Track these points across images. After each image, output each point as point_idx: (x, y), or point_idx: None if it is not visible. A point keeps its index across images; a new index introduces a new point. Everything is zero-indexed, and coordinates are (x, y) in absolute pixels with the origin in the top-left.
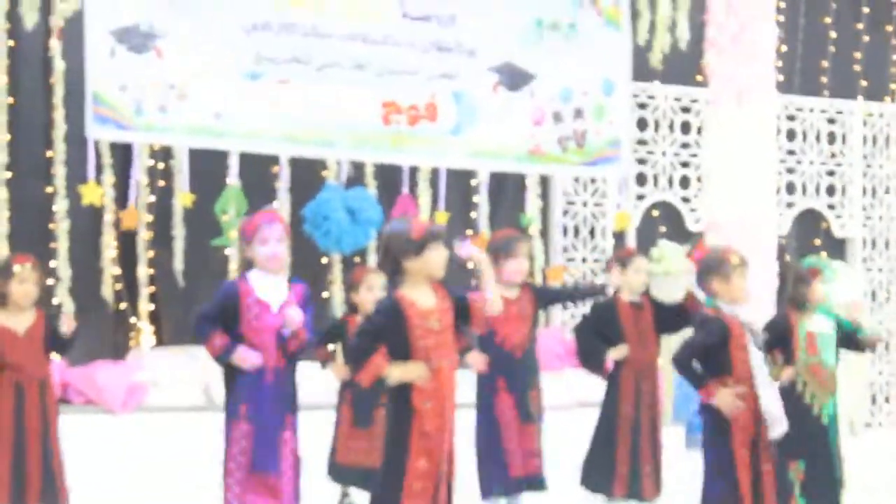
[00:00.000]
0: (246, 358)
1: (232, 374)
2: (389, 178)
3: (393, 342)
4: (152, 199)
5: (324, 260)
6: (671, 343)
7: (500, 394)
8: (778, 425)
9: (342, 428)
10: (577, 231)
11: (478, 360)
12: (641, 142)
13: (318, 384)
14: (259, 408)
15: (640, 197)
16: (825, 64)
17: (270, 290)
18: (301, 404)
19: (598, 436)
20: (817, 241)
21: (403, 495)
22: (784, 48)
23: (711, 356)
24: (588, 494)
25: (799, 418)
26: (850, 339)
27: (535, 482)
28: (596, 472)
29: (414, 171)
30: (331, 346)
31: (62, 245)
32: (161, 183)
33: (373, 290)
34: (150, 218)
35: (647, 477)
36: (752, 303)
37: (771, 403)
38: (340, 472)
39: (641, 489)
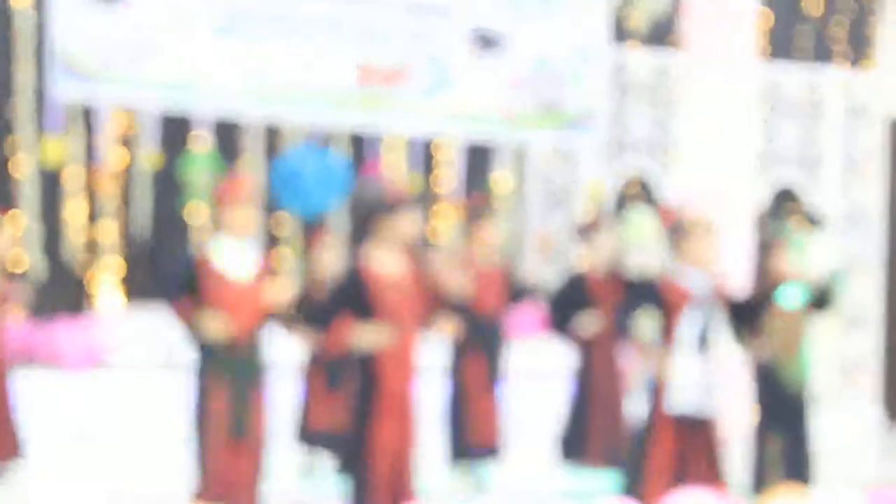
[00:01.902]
0: (209, 327)
1: (201, 338)
2: (359, 141)
3: (356, 308)
4: (119, 157)
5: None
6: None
7: (470, 359)
8: (679, 401)
9: (315, 392)
10: (551, 198)
11: (449, 326)
12: (618, 108)
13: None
14: (229, 371)
15: (615, 165)
16: (804, 30)
17: (234, 257)
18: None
19: (573, 405)
20: (794, 214)
21: (369, 457)
22: (764, 14)
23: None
24: (562, 462)
25: (770, 389)
26: (823, 301)
27: (492, 450)
28: (569, 440)
29: (384, 135)
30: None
31: (26, 203)
32: (127, 141)
33: (330, 251)
34: (116, 177)
35: (618, 445)
36: (727, 275)
37: (679, 374)
38: (312, 436)
39: (616, 457)
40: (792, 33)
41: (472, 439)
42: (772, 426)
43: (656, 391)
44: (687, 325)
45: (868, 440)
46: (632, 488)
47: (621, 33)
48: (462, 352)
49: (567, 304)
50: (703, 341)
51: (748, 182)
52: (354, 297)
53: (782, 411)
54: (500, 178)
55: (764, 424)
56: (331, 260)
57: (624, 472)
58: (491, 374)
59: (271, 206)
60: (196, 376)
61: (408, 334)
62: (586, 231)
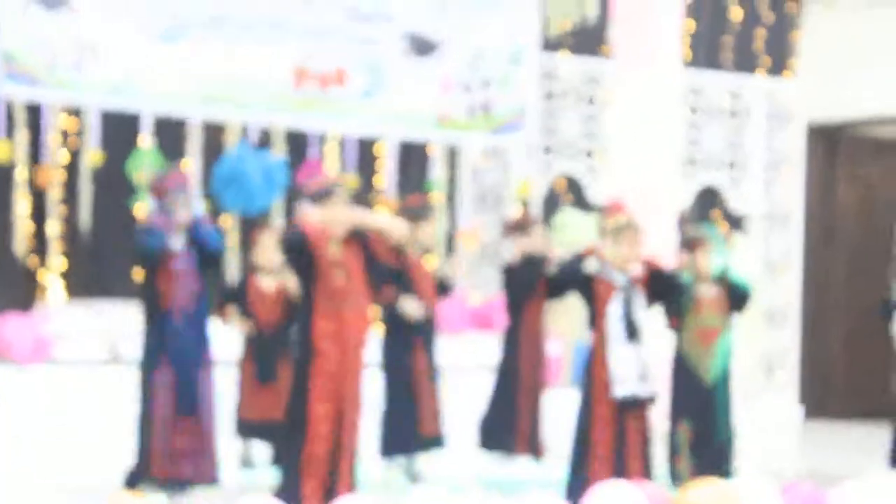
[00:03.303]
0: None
1: (150, 320)
2: (297, 142)
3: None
4: (64, 156)
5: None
6: (567, 307)
7: (416, 352)
8: (620, 385)
9: (245, 384)
10: (482, 199)
11: (412, 307)
12: (547, 112)
13: (221, 341)
14: (177, 352)
15: (545, 167)
16: (728, 39)
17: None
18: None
19: (498, 395)
20: (717, 215)
21: (307, 438)
22: (689, 23)
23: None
24: (486, 453)
25: (684, 380)
26: (737, 298)
27: (439, 441)
28: (496, 431)
29: (322, 136)
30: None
31: None
32: (72, 141)
33: (268, 249)
34: (61, 175)
35: (537, 435)
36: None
37: (617, 363)
38: (244, 427)
39: (538, 447)
40: (715, 41)
41: (420, 431)
42: (682, 416)
43: (589, 380)
44: (615, 315)
45: (786, 434)
46: (577, 475)
47: (551, 39)
48: (404, 344)
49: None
50: (631, 329)
51: (673, 183)
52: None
53: (693, 402)
54: (433, 177)
55: (676, 414)
56: (270, 257)
57: (570, 461)
58: (431, 366)
59: (214, 205)
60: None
61: (350, 316)
62: (514, 229)
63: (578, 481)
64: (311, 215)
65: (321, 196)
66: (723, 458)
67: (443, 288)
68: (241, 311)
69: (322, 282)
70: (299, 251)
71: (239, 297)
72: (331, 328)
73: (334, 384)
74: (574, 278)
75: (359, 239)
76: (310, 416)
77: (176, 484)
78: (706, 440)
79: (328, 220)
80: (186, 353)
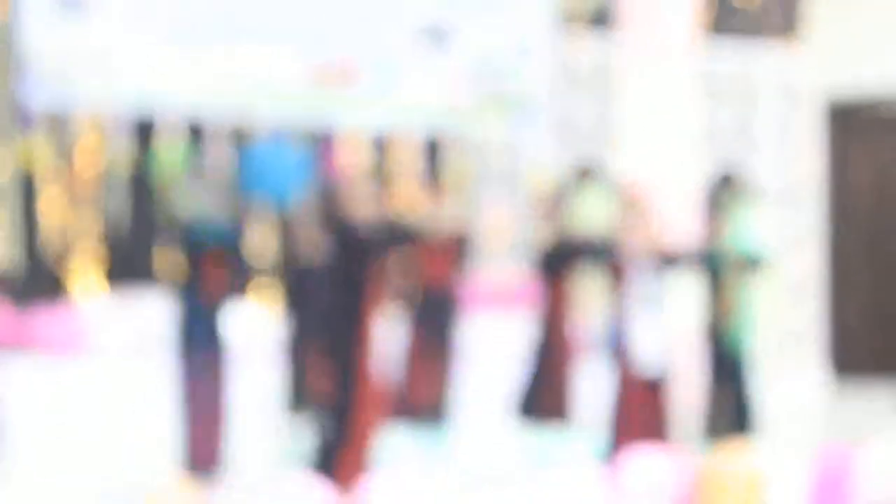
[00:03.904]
0: None
1: (179, 309)
2: (316, 139)
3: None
4: (91, 154)
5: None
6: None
7: (414, 330)
8: (644, 356)
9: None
10: (500, 187)
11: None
12: (562, 98)
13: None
14: (203, 341)
15: (561, 152)
16: (742, 17)
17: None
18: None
19: (530, 369)
20: (735, 193)
21: (348, 417)
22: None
23: None
24: (519, 422)
25: (709, 349)
26: (756, 268)
27: (439, 416)
28: (529, 402)
29: (339, 132)
30: None
31: (5, 202)
32: (97, 141)
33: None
34: (89, 174)
35: (565, 400)
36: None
37: (641, 335)
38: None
39: (569, 416)
40: (728, 17)
41: (414, 400)
42: (708, 383)
43: (616, 353)
44: (638, 288)
45: (815, 404)
46: (608, 447)
47: (564, 23)
48: (411, 322)
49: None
50: (655, 302)
51: (690, 161)
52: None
53: (717, 369)
54: (450, 168)
55: (702, 381)
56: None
57: (602, 430)
58: (436, 345)
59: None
60: None
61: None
62: (541, 211)
63: (610, 449)
64: None
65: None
66: (745, 422)
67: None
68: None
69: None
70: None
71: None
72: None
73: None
74: (597, 259)
75: None
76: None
77: (199, 470)
78: (730, 406)
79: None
80: (210, 342)
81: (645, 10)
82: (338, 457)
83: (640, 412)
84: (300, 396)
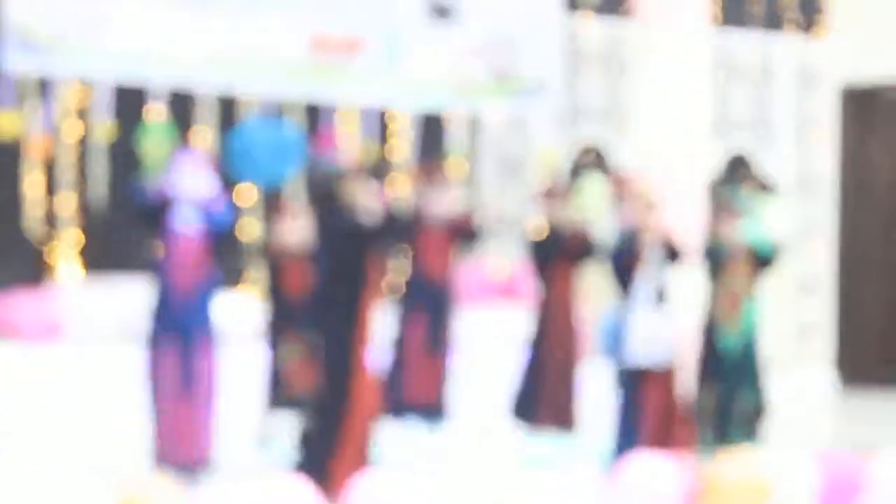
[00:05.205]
0: None
1: (156, 297)
2: (313, 113)
3: None
4: (75, 129)
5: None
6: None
7: (414, 325)
8: (646, 353)
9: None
10: (504, 167)
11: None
12: (571, 76)
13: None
14: (180, 331)
15: (569, 133)
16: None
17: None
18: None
19: (528, 367)
20: (747, 181)
21: (344, 413)
22: None
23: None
24: (517, 424)
25: (712, 346)
26: (766, 261)
27: (436, 412)
28: (526, 403)
29: (339, 106)
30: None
31: None
32: (84, 113)
33: (292, 220)
34: (72, 148)
35: (568, 407)
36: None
37: (642, 331)
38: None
39: (569, 419)
40: (744, 1)
41: (409, 397)
42: (709, 382)
43: (620, 351)
44: (640, 284)
45: (822, 404)
46: (623, 446)
47: (574, 2)
48: (405, 314)
49: (543, 253)
50: (658, 296)
51: (701, 148)
52: None
53: (720, 368)
54: (454, 146)
55: (703, 380)
56: (293, 228)
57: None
58: (435, 338)
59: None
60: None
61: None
62: (546, 198)
63: (621, 452)
64: None
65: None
66: (750, 425)
67: (462, 231)
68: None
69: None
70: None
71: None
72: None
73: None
74: (601, 250)
75: None
76: (351, 399)
77: (179, 465)
78: (733, 407)
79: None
80: (189, 331)
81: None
82: (329, 454)
83: (643, 413)
84: (283, 391)
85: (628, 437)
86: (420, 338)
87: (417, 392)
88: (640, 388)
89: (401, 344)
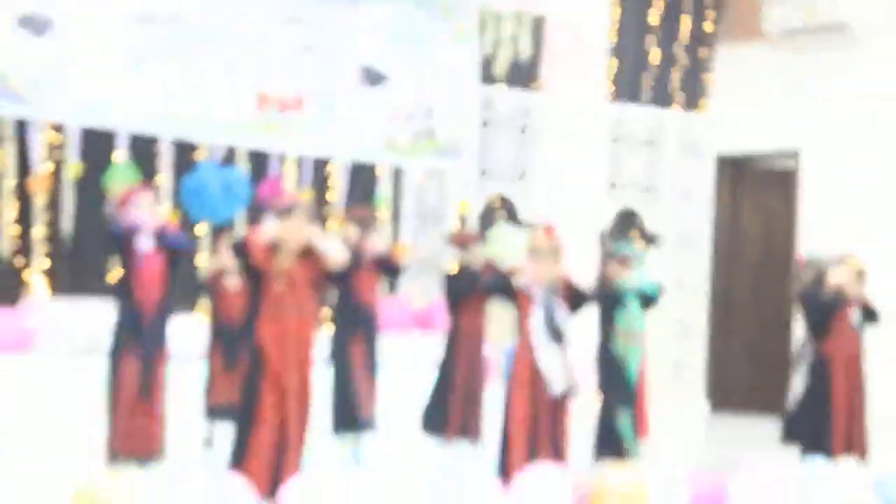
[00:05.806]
0: None
1: (120, 314)
2: (259, 161)
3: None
4: (48, 167)
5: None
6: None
7: (355, 346)
8: (556, 384)
9: (214, 371)
10: (424, 215)
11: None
12: (484, 139)
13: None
14: (142, 344)
15: (482, 188)
16: (648, 78)
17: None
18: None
19: (437, 387)
20: (634, 234)
21: (255, 422)
22: (612, 63)
23: None
24: (425, 436)
25: (615, 374)
26: (650, 300)
27: (372, 423)
28: (434, 418)
29: (281, 155)
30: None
31: None
32: (55, 154)
33: (226, 254)
34: (46, 184)
35: (474, 422)
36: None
37: (544, 363)
38: (212, 410)
39: (473, 433)
40: (636, 79)
41: (357, 414)
42: (620, 404)
43: (513, 376)
44: (537, 322)
45: (694, 429)
46: (503, 459)
47: (488, 75)
48: (346, 337)
49: (456, 289)
50: (554, 334)
51: (596, 205)
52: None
53: (624, 392)
54: (380, 195)
55: (612, 403)
56: (228, 259)
57: (498, 446)
58: (370, 358)
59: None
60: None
61: (292, 322)
62: (455, 243)
63: (504, 464)
64: (270, 228)
65: (284, 212)
66: (631, 443)
67: (387, 266)
68: (210, 307)
69: (265, 287)
70: (244, 258)
71: (209, 294)
72: (273, 330)
73: (278, 378)
74: (503, 291)
75: (312, 252)
76: (259, 404)
77: (132, 458)
78: (624, 425)
79: (284, 234)
80: (149, 345)
81: (564, 66)
82: (244, 460)
83: (539, 431)
84: (218, 404)
85: (517, 451)
86: (361, 358)
87: (364, 408)
88: (529, 410)
89: (345, 364)
